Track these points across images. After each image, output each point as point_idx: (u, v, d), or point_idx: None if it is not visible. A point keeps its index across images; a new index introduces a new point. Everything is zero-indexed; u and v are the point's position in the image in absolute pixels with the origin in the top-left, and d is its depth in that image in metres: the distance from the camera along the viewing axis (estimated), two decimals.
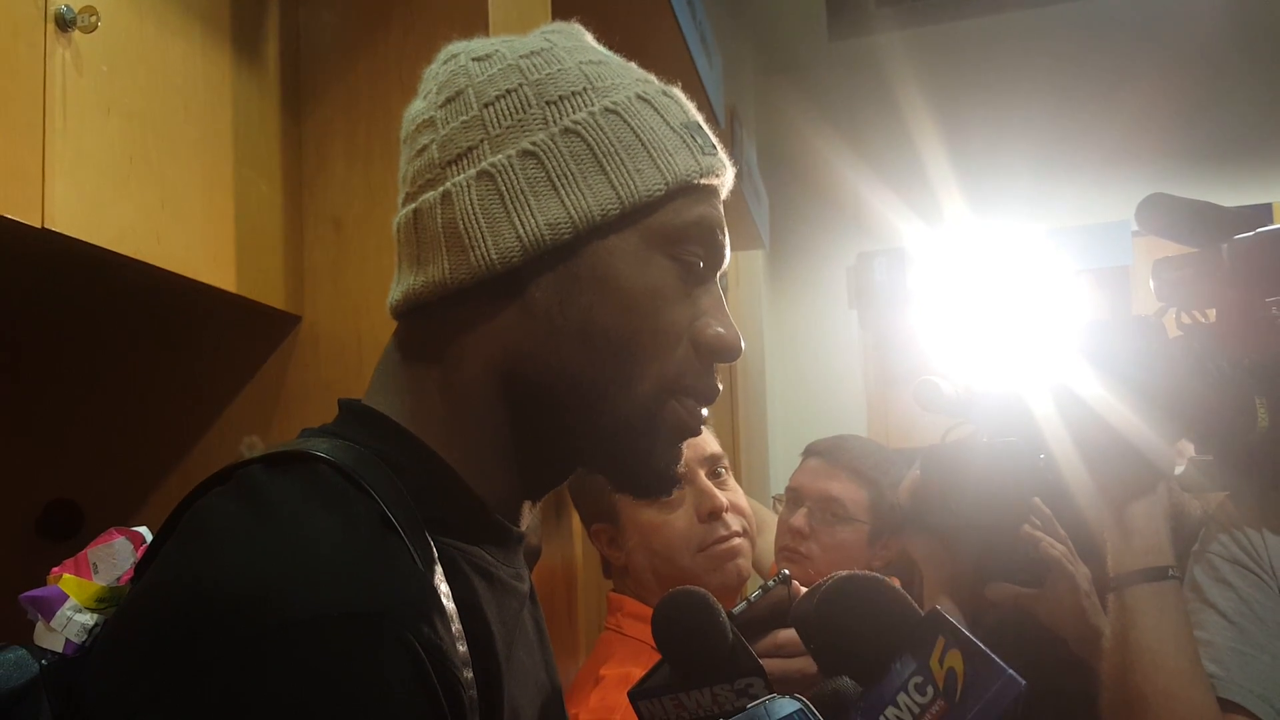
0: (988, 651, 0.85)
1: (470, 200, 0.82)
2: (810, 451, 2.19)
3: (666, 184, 0.83)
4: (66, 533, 1.69)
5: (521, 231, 0.81)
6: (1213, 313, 1.40)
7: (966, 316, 4.62)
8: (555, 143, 0.82)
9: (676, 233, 0.85)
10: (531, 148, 0.82)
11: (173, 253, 1.36)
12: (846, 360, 5.25)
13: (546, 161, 0.82)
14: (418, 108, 0.90)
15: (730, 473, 1.78)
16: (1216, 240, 1.36)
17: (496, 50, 0.88)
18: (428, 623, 0.69)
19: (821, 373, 5.19)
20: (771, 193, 5.03)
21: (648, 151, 0.84)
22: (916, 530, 1.78)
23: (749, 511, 1.78)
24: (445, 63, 0.90)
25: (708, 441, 1.74)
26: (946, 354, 4.43)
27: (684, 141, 0.86)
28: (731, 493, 1.74)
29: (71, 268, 1.37)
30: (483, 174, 0.82)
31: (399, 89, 1.64)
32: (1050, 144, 4.84)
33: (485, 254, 0.81)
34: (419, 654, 0.67)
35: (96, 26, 1.18)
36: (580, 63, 0.87)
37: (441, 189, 0.84)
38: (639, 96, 0.86)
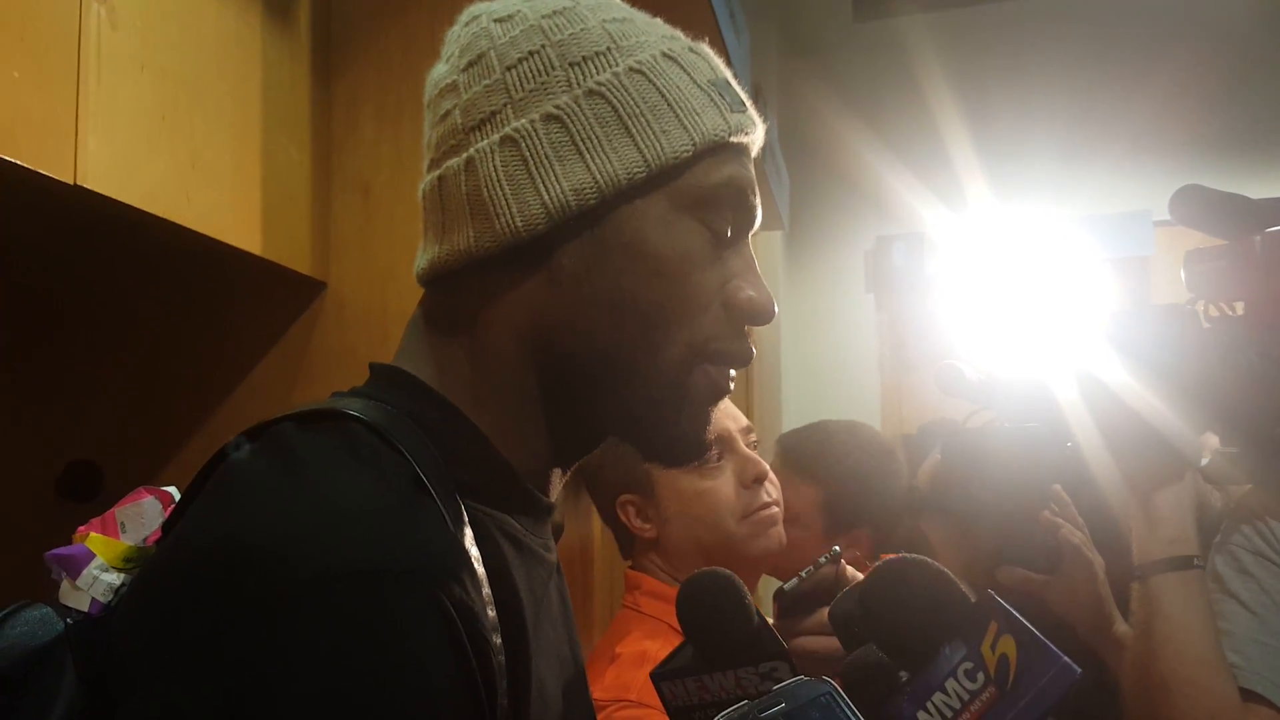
0: (1042, 638, 0.83)
1: (494, 166, 0.81)
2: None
3: (694, 144, 0.81)
4: (87, 493, 1.69)
5: (546, 198, 0.80)
6: (1240, 305, 1.39)
7: (986, 302, 4.60)
8: (579, 105, 0.81)
9: (705, 194, 0.83)
10: (555, 111, 0.81)
11: (201, 213, 1.36)
12: (863, 343, 5.23)
13: (571, 125, 0.80)
14: (440, 71, 0.89)
15: (757, 447, 1.78)
16: (1249, 232, 1.35)
17: (518, 10, 0.86)
18: (459, 583, 0.69)
19: (837, 356, 5.17)
20: (791, 174, 5.01)
21: (674, 111, 0.82)
22: (934, 515, 1.78)
23: (777, 482, 1.77)
24: (467, 24, 0.88)
25: (739, 414, 1.74)
26: (964, 339, 4.41)
27: (711, 100, 0.84)
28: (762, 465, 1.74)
29: (100, 226, 1.37)
30: (506, 139, 0.81)
31: (430, 54, 1.61)
32: (1075, 131, 4.80)
33: (510, 221, 0.80)
34: (450, 612, 0.67)
35: None
36: (603, 21, 0.85)
37: (465, 155, 0.82)
38: (665, 54, 0.84)
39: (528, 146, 0.80)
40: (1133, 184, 4.71)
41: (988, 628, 0.86)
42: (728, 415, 1.69)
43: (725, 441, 1.67)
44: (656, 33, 0.86)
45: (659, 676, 1.05)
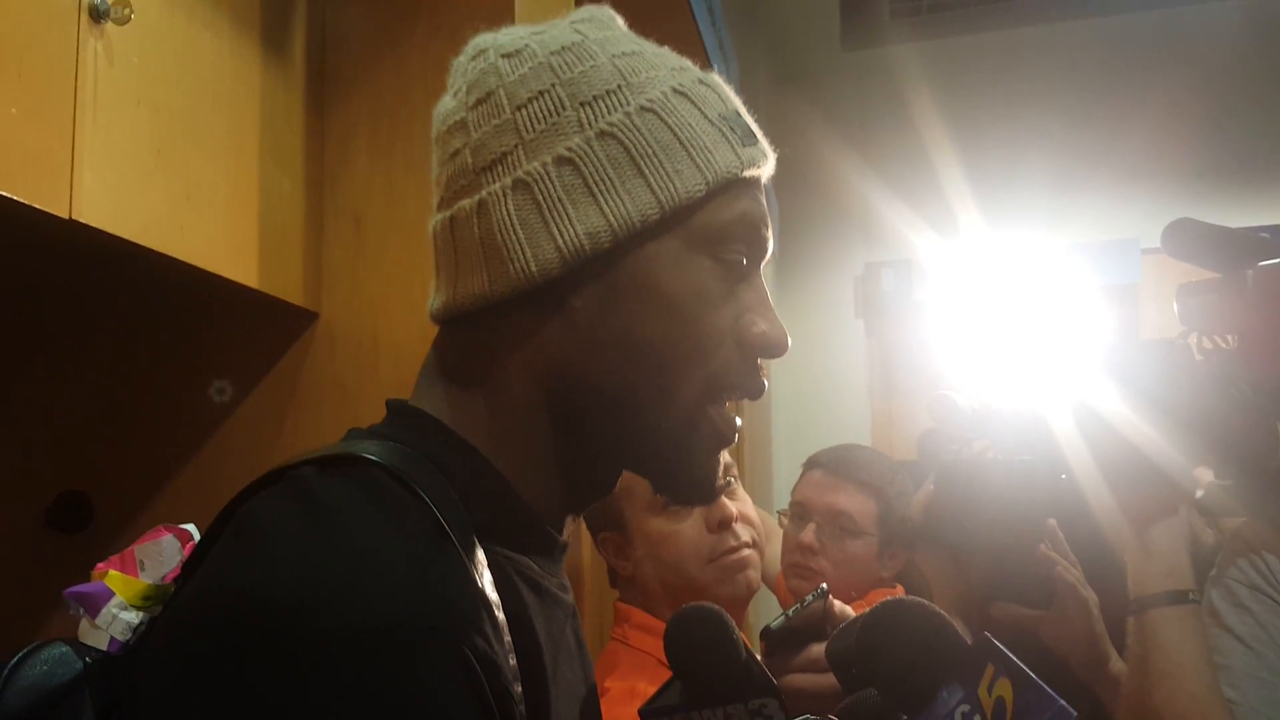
0: (1039, 681, 0.83)
1: (507, 211, 0.80)
2: (813, 463, 2.18)
3: (707, 183, 0.81)
4: (77, 524, 1.68)
5: (561, 242, 0.79)
6: (1233, 338, 1.39)
7: (975, 329, 4.61)
8: (591, 148, 0.80)
9: (718, 232, 0.83)
10: (567, 154, 0.80)
11: (195, 246, 1.36)
12: (852, 369, 5.23)
13: (583, 168, 0.80)
14: (448, 106, 0.88)
15: (739, 482, 1.77)
16: (1241, 266, 1.36)
17: (526, 45, 0.85)
18: (483, 635, 0.68)
19: (827, 382, 5.17)
20: (780, 201, 5.02)
21: (686, 150, 0.81)
22: (928, 546, 1.78)
23: (757, 521, 1.76)
24: (474, 59, 0.87)
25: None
26: (954, 365, 4.42)
27: (723, 135, 0.83)
28: (740, 502, 1.73)
29: (95, 259, 1.36)
30: (519, 183, 0.80)
31: (423, 87, 1.64)
32: (1064, 159, 4.82)
33: (524, 266, 0.79)
34: (474, 667, 0.66)
35: (129, 19, 1.17)
36: (613, 56, 0.84)
37: (477, 197, 0.82)
38: (675, 90, 0.83)
39: (540, 190, 0.80)
40: (1121, 212, 4.73)
41: (984, 670, 0.86)
42: None
43: None
44: (666, 65, 0.86)
45: (647, 714, 1.05)
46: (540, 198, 0.80)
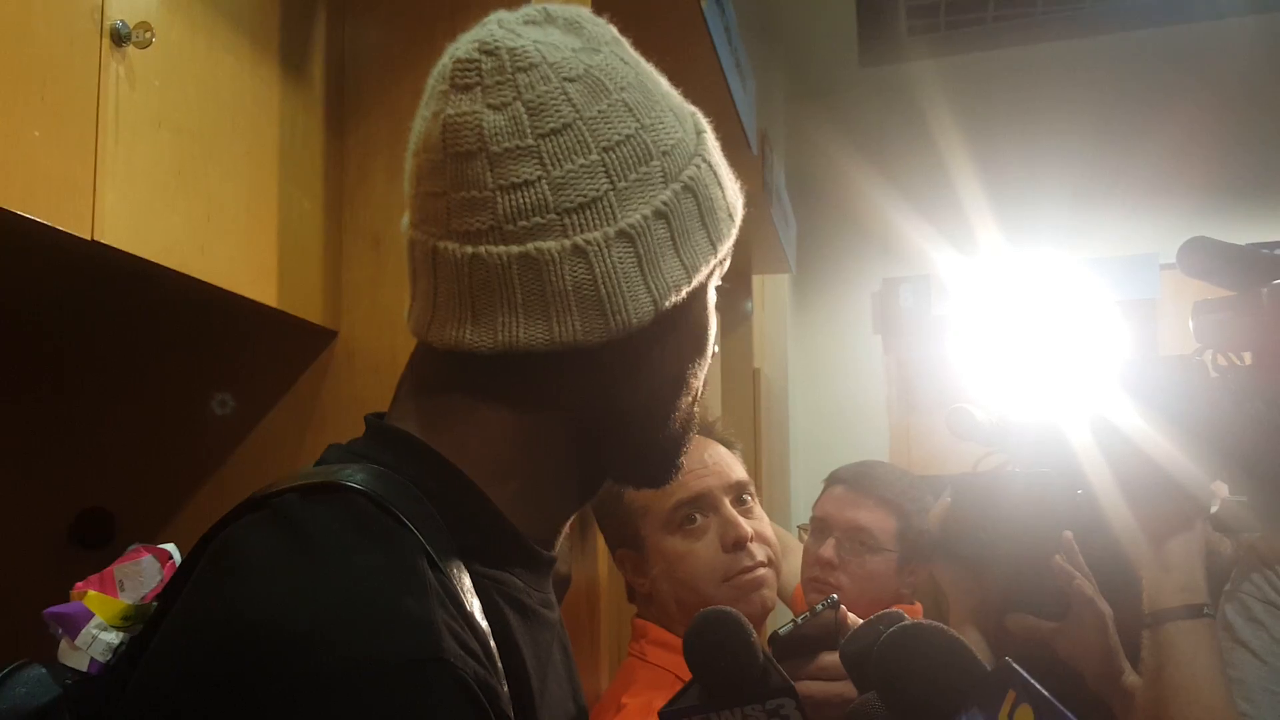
0: (1060, 706, 0.83)
1: (611, 262, 0.79)
2: (834, 479, 2.19)
3: (735, 222, 0.86)
4: (99, 541, 1.70)
5: (656, 294, 0.81)
6: (1248, 356, 1.40)
7: (993, 344, 4.61)
8: (680, 201, 0.82)
9: (721, 266, 0.88)
10: (663, 208, 0.81)
11: (216, 266, 1.37)
12: (870, 386, 5.24)
13: (673, 221, 0.82)
14: (497, 124, 0.80)
15: (756, 500, 1.78)
16: (1256, 284, 1.36)
17: (588, 70, 0.82)
18: (480, 664, 0.69)
19: (845, 398, 5.18)
20: (798, 217, 5.03)
21: (725, 196, 0.86)
22: (945, 558, 1.78)
23: (774, 540, 1.76)
24: (524, 71, 0.80)
25: (733, 468, 1.73)
26: (972, 382, 4.42)
27: (730, 172, 0.88)
28: (757, 521, 1.73)
29: (116, 279, 1.38)
30: (622, 234, 0.80)
31: None
32: (1079, 176, 4.83)
33: (625, 319, 0.80)
34: (477, 695, 0.67)
35: (151, 42, 1.19)
36: (661, 98, 0.85)
37: (569, 242, 0.79)
38: (698, 131, 0.87)
39: (643, 244, 0.80)
40: (1140, 228, 4.73)
41: (1005, 696, 0.86)
42: (713, 472, 1.69)
43: (708, 502, 1.67)
44: (683, 109, 0.88)
45: (667, 715, 1.06)
46: (641, 251, 0.80)
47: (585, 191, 0.79)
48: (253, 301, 1.47)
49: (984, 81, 5.16)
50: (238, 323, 1.64)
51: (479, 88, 0.81)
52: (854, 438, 4.94)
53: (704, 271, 0.84)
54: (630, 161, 0.80)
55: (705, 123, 0.89)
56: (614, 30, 0.89)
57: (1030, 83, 5.09)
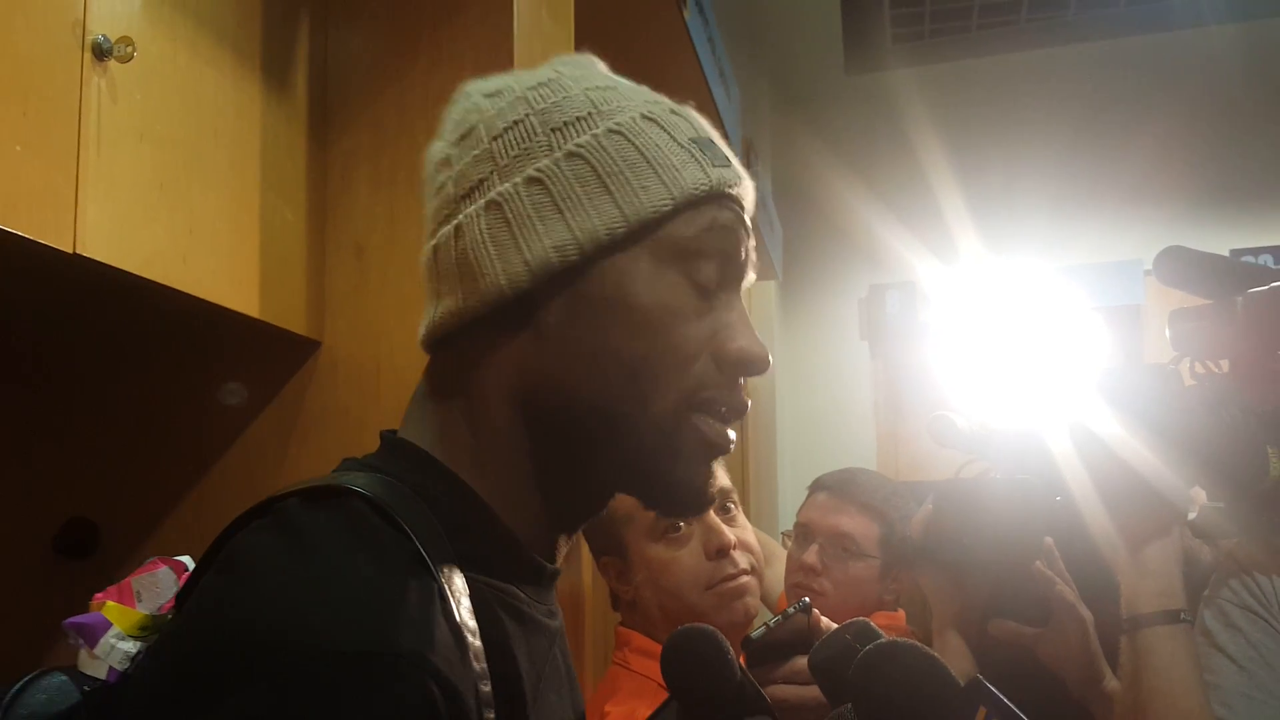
0: None
1: (480, 229, 0.83)
2: (818, 486, 2.19)
3: (673, 199, 0.83)
4: (84, 551, 1.70)
5: (529, 255, 0.82)
6: (1225, 364, 1.41)
7: (978, 352, 4.62)
8: (559, 167, 0.83)
9: (686, 247, 0.84)
10: (536, 174, 0.83)
11: (198, 278, 1.38)
12: (857, 392, 5.25)
13: (551, 186, 0.83)
14: (436, 148, 0.92)
15: (739, 508, 1.78)
16: (1231, 293, 1.38)
17: (506, 84, 0.90)
18: (448, 664, 0.70)
19: (832, 404, 5.19)
20: (784, 224, 5.05)
21: (653, 168, 0.83)
22: (927, 565, 1.78)
23: (757, 548, 1.77)
24: (459, 102, 0.92)
25: (717, 475, 1.73)
26: (958, 388, 4.43)
27: (692, 156, 0.85)
28: (740, 529, 1.74)
29: (99, 291, 1.38)
30: (491, 203, 0.84)
31: (424, 119, 1.66)
32: (1064, 183, 4.85)
33: (494, 280, 0.82)
34: (434, 694, 0.68)
35: (132, 56, 1.20)
36: (586, 89, 0.87)
37: (455, 223, 0.85)
38: (644, 116, 0.86)
39: (510, 208, 0.83)
40: (1124, 234, 4.75)
41: (976, 713, 0.87)
42: None
43: None
44: (640, 98, 0.89)
45: None
46: (510, 215, 0.83)
47: (473, 177, 0.86)
48: (236, 312, 1.47)
49: (968, 90, 5.18)
50: (220, 333, 1.65)
51: (440, 127, 0.93)
52: (841, 443, 4.95)
53: (611, 239, 0.82)
54: (514, 141, 0.85)
55: (667, 110, 0.88)
56: (590, 57, 0.95)
57: (1012, 91, 5.12)
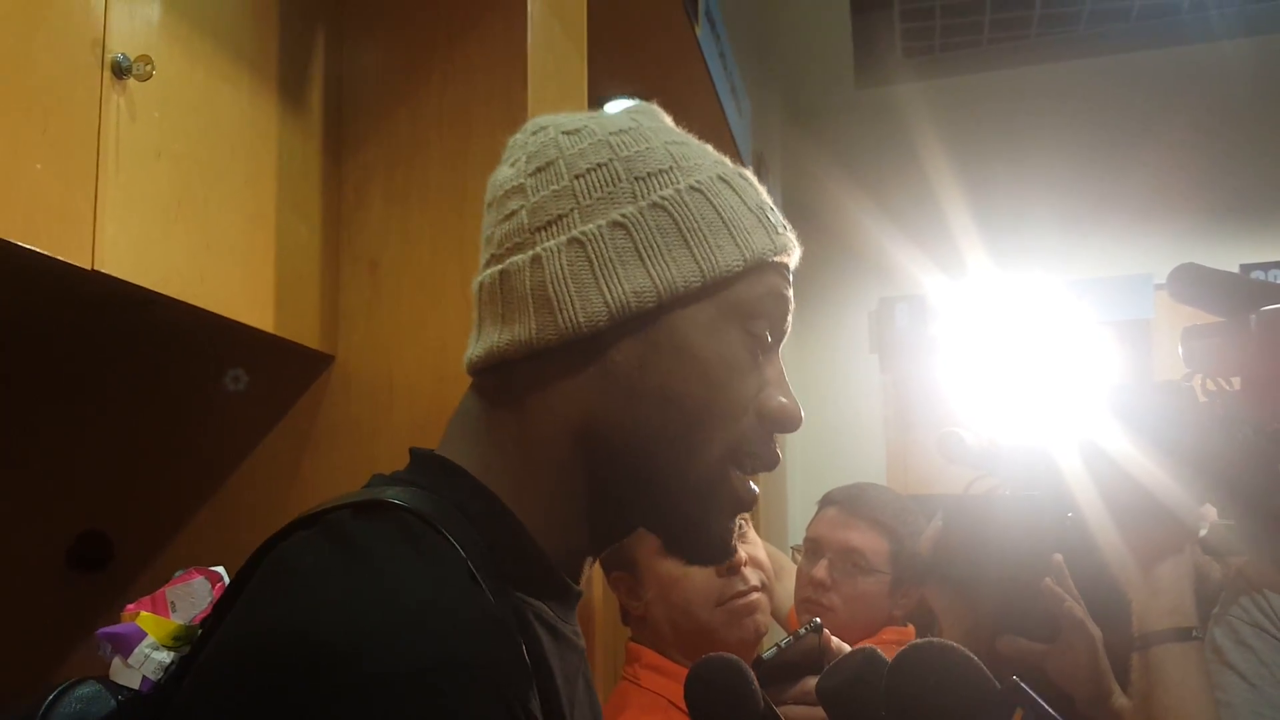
0: None
1: (561, 264, 0.85)
2: (828, 500, 2.19)
3: (744, 260, 0.87)
4: (97, 564, 1.71)
5: (609, 297, 0.84)
6: (1237, 381, 1.42)
7: (987, 367, 4.62)
8: (644, 216, 0.86)
9: (750, 307, 0.89)
10: (621, 219, 0.86)
11: (214, 293, 1.39)
12: (867, 405, 5.25)
13: (635, 233, 0.85)
14: (505, 174, 0.94)
15: (749, 524, 1.79)
16: (1244, 310, 1.38)
17: (586, 125, 0.92)
18: (520, 679, 0.71)
19: (842, 417, 5.19)
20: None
21: (728, 229, 0.87)
22: (936, 581, 1.78)
23: (767, 564, 1.77)
24: (535, 134, 0.94)
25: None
26: (968, 402, 4.42)
27: (759, 221, 0.90)
28: (750, 545, 1.74)
29: (116, 307, 1.40)
30: (573, 241, 0.86)
31: (438, 134, 1.67)
32: (1074, 197, 4.85)
33: (573, 316, 0.84)
34: (515, 707, 0.68)
35: (151, 75, 1.21)
36: (665, 142, 0.91)
37: (531, 253, 0.87)
38: (719, 177, 0.90)
39: (594, 249, 0.85)
40: (1133, 248, 4.75)
41: (1013, 715, 0.87)
42: None
43: None
44: (710, 157, 0.93)
45: None
46: (593, 255, 0.85)
47: (552, 211, 0.88)
48: (251, 327, 1.48)
49: (978, 104, 5.19)
50: (235, 348, 1.66)
51: (507, 155, 0.96)
52: (851, 457, 4.94)
53: (686, 290, 0.85)
54: (598, 184, 0.88)
55: (736, 174, 0.93)
56: (659, 109, 0.98)
57: (1022, 105, 5.12)
